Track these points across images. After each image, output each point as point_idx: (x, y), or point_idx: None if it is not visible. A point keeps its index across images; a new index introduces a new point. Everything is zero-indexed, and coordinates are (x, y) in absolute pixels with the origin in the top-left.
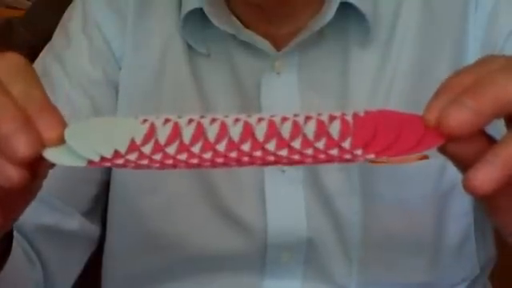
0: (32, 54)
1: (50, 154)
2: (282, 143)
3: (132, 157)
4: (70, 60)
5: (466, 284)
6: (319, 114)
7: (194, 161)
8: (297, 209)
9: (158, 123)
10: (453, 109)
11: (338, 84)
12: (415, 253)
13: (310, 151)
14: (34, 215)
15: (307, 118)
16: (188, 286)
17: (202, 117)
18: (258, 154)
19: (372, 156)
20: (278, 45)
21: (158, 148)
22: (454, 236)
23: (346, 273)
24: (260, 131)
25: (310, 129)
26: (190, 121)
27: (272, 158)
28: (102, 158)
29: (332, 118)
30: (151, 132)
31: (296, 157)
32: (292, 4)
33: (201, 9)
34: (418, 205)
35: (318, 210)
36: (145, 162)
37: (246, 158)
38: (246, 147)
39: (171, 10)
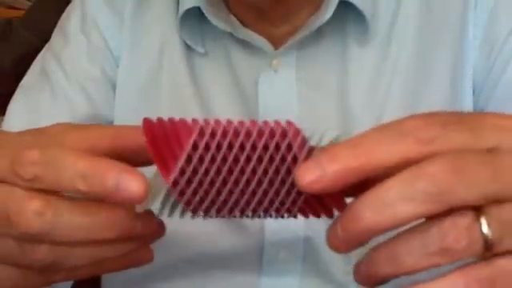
0: (32, 53)
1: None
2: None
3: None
4: (69, 59)
5: None
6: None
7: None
8: None
9: None
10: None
11: (336, 83)
12: None
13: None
14: None
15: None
16: (185, 285)
17: None
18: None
19: None
20: (277, 43)
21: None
22: None
23: (345, 271)
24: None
25: None
26: None
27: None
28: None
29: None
30: None
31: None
32: (290, 3)
33: (198, 7)
34: None
35: None
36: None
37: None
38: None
39: (168, 10)
